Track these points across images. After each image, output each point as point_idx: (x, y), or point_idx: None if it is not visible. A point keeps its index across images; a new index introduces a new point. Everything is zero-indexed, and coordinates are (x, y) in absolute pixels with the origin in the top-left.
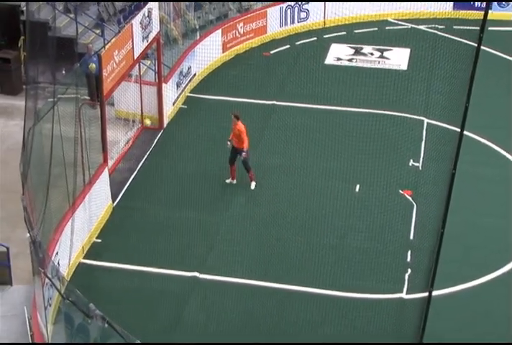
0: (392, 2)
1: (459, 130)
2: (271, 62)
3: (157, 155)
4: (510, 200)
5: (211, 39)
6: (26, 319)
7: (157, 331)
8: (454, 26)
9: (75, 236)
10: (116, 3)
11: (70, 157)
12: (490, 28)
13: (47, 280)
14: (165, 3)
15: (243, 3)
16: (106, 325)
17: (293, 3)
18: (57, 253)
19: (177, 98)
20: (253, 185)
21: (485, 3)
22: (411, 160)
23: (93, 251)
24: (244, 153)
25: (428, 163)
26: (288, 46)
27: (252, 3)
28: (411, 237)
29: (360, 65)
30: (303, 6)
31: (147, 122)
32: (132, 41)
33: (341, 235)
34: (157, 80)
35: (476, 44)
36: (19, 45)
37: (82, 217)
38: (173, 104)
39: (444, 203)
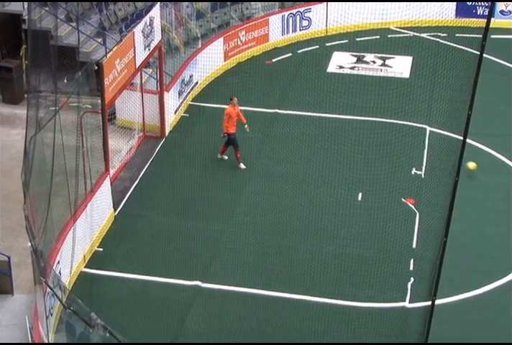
0: (395, 11)
1: (461, 138)
2: (273, 71)
3: (158, 164)
4: None
5: (213, 48)
6: (28, 328)
7: (158, 340)
8: (457, 34)
9: (77, 245)
10: (118, 12)
11: (71, 166)
12: (492, 36)
13: (48, 289)
14: (167, 12)
15: (245, 12)
16: (108, 334)
17: (294, 11)
18: (58, 262)
19: (179, 106)
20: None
21: (487, 10)
22: (414, 168)
23: (94, 260)
24: None
25: (430, 171)
26: (289, 54)
27: (253, 11)
28: (414, 246)
29: (362, 73)
30: (305, 14)
31: None
32: (134, 49)
33: (343, 243)
34: (158, 88)
35: (478, 52)
36: (21, 54)
37: (83, 226)
38: (175, 112)
39: (446, 211)
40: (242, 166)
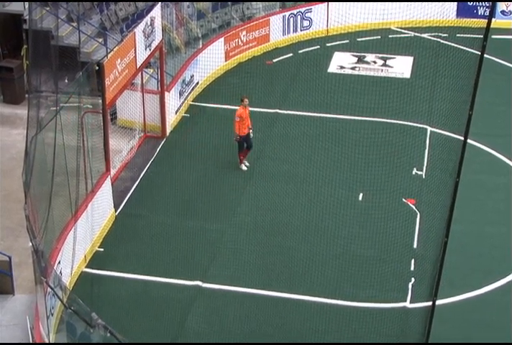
0: (396, 11)
1: (462, 138)
2: (274, 71)
3: (159, 164)
4: None
5: (214, 48)
6: (28, 328)
7: (159, 340)
8: (457, 35)
9: (78, 245)
10: (119, 12)
11: (72, 166)
12: (493, 36)
13: (49, 289)
14: (168, 12)
15: (246, 12)
16: (108, 334)
17: (295, 12)
18: (59, 262)
19: (180, 106)
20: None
21: (488, 11)
22: (415, 169)
23: (95, 260)
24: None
25: (431, 171)
26: (290, 54)
27: (254, 11)
28: (415, 246)
29: (363, 73)
30: (306, 14)
31: None
32: (135, 50)
33: (344, 244)
34: (159, 88)
35: (479, 52)
36: (22, 54)
37: (84, 226)
38: (176, 113)
39: (447, 212)
40: (244, 167)
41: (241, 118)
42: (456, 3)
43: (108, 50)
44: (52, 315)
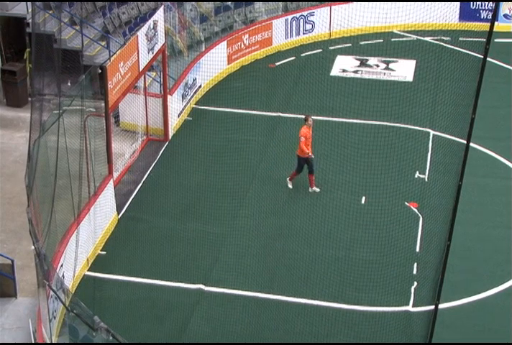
0: (398, 14)
1: (464, 142)
2: (276, 74)
3: (162, 167)
4: None
5: (216, 51)
6: (31, 331)
7: (162, 344)
8: (460, 38)
9: (80, 248)
10: (122, 16)
11: (75, 169)
12: (495, 40)
13: (51, 293)
14: (170, 15)
15: (248, 15)
16: (111, 337)
17: (298, 15)
18: (61, 265)
19: (183, 109)
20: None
21: (491, 14)
22: (417, 172)
23: (97, 264)
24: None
25: (434, 175)
26: (293, 58)
27: (257, 14)
28: (417, 249)
29: (366, 76)
30: (309, 18)
31: None
32: (138, 53)
33: (347, 247)
34: (162, 92)
35: (482, 56)
36: (25, 57)
37: (87, 229)
38: (178, 116)
39: (450, 215)
40: (316, 189)
41: (306, 138)
42: (458, 7)
43: (111, 53)
44: (55, 318)
